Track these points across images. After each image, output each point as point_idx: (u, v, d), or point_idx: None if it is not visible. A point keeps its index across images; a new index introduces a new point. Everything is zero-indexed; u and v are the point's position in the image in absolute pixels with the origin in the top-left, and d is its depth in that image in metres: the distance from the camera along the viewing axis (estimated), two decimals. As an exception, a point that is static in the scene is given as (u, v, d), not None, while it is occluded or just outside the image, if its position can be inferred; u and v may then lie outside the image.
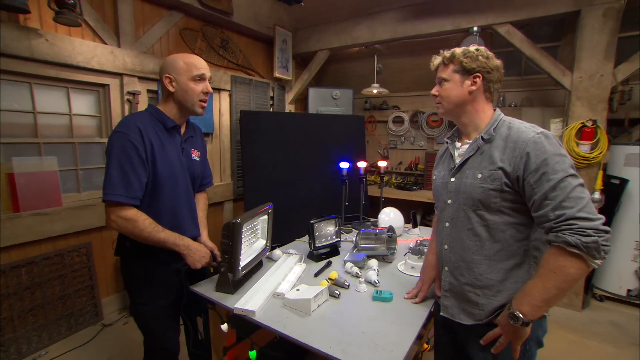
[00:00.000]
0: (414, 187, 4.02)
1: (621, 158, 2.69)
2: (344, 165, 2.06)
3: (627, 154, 2.66)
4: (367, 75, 4.00)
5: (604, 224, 0.79)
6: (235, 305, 1.13)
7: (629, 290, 2.65)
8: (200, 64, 1.25)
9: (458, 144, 1.08)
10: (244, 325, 1.20)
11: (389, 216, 2.01)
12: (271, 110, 3.80)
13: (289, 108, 4.07)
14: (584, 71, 2.53)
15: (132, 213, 1.15)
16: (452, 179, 1.03)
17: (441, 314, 1.09)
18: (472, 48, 1.00)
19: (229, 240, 1.21)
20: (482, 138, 0.97)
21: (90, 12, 2.25)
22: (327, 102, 3.96)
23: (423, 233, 2.07)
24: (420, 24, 3.12)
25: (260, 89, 3.61)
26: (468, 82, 0.99)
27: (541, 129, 0.90)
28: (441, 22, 3.03)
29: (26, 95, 2.10)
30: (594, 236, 0.77)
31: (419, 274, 1.44)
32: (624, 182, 2.63)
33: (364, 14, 3.40)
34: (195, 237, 1.39)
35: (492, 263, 0.95)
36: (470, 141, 1.02)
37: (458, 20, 2.95)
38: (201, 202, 1.53)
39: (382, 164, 2.17)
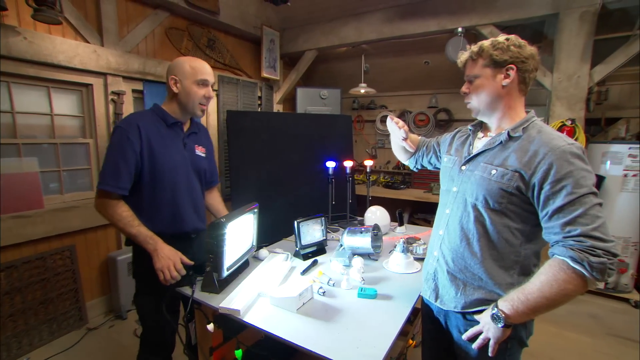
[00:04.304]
0: (402, 186, 4.08)
1: (598, 156, 2.79)
2: (330, 164, 2.08)
3: (603, 152, 2.76)
4: (354, 75, 4.03)
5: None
6: (220, 305, 1.14)
7: (606, 283, 2.75)
8: (205, 70, 1.31)
9: (480, 134, 1.05)
10: (230, 324, 1.20)
11: (375, 215, 2.03)
12: (259, 110, 3.79)
13: (277, 108, 4.07)
14: (562, 72, 2.61)
15: (114, 203, 1.22)
16: (463, 167, 1.01)
17: (421, 293, 1.13)
18: (502, 38, 0.93)
19: (214, 239, 1.21)
20: (508, 134, 0.92)
21: (71, 9, 2.21)
22: (315, 101, 3.97)
23: (409, 231, 2.10)
24: (406, 24, 3.17)
25: (247, 89, 3.60)
26: (501, 76, 0.92)
27: (572, 141, 0.86)
28: (426, 22, 3.08)
29: (4, 94, 2.04)
30: (603, 257, 0.75)
31: (404, 271, 1.47)
32: (601, 179, 2.73)
33: (350, 14, 3.42)
34: (199, 230, 1.43)
35: (482, 260, 0.94)
36: (494, 135, 0.98)
37: (443, 21, 3.01)
38: (216, 201, 1.63)
39: (368, 163, 2.20)
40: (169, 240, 1.28)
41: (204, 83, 1.31)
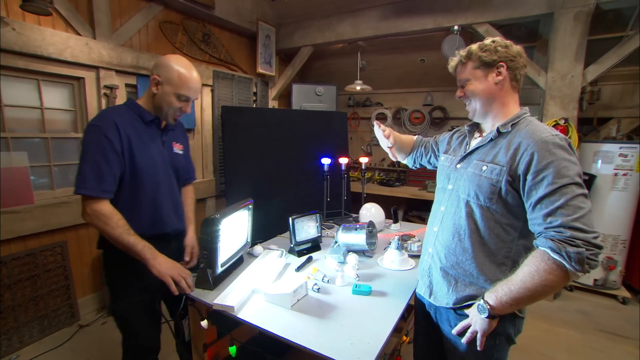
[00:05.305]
0: (397, 184, 4.09)
1: (590, 155, 2.82)
2: (326, 161, 2.07)
3: (595, 151, 2.79)
4: (350, 71, 4.02)
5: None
6: (214, 301, 1.13)
7: (595, 280, 2.81)
8: (191, 86, 1.22)
9: (476, 134, 1.07)
10: (225, 321, 1.19)
11: (370, 211, 2.04)
12: (254, 106, 3.77)
13: (272, 104, 4.04)
14: (556, 71, 2.63)
15: (108, 210, 1.13)
16: (458, 165, 1.03)
17: (416, 289, 1.14)
18: (488, 41, 0.96)
19: (208, 235, 1.20)
20: (498, 130, 0.94)
21: (61, 0, 2.16)
22: (310, 98, 3.95)
23: (404, 228, 2.11)
24: (402, 21, 3.16)
25: (242, 85, 3.57)
26: (492, 75, 0.94)
27: (557, 132, 0.86)
28: (423, 20, 3.08)
29: (-8, 87, 1.99)
30: (581, 247, 0.75)
31: (398, 268, 1.48)
32: (592, 177, 2.77)
33: (347, 10, 3.40)
34: (180, 231, 1.39)
35: (473, 256, 0.95)
36: (487, 133, 1.00)
37: (439, 19, 3.01)
38: (188, 197, 1.51)
39: (363, 160, 2.20)
40: (148, 242, 1.20)
41: (186, 99, 1.23)
